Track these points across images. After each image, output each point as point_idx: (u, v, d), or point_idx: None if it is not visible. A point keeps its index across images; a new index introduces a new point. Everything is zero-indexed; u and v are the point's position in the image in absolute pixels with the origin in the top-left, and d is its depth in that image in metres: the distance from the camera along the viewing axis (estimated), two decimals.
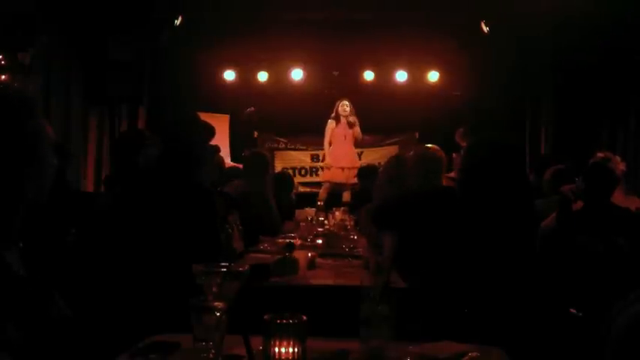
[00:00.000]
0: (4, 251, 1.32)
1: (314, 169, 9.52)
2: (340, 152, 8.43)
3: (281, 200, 5.56)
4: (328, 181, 8.52)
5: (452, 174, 5.74)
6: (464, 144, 7.83)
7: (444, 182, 5.20)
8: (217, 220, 2.72)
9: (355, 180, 8.57)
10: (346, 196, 8.26)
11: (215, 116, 8.47)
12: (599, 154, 4.62)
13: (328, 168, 8.61)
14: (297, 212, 5.71)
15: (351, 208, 6.12)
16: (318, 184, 9.11)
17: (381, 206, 3.57)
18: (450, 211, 3.27)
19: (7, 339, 1.20)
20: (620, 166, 4.47)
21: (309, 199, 7.70)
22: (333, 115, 8.45)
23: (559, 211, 3.74)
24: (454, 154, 5.85)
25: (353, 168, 8.51)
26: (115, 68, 7.68)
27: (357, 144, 8.70)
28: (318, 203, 6.16)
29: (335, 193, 8.27)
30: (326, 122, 8.64)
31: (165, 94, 8.11)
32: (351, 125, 8.39)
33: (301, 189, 9.12)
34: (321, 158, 9.28)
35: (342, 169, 8.43)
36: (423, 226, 3.29)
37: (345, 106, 8.39)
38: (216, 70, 9.18)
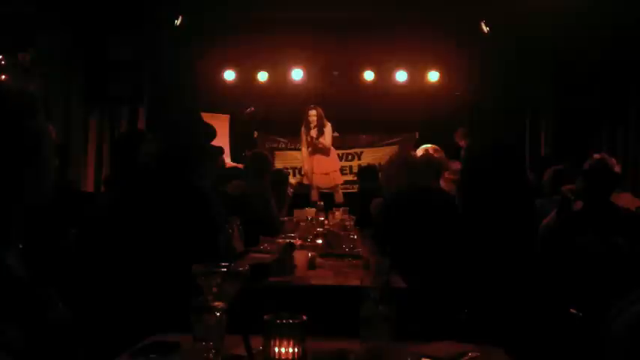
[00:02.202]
0: (4, 252, 1.31)
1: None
2: (313, 159, 8.43)
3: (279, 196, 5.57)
4: (314, 186, 8.52)
5: (448, 174, 5.76)
6: (462, 143, 7.92)
7: (443, 182, 5.23)
8: (215, 221, 2.72)
9: (341, 180, 8.59)
10: (338, 197, 8.27)
11: (215, 116, 8.46)
12: (596, 156, 4.65)
13: (306, 174, 8.63)
14: (297, 212, 5.71)
15: (351, 208, 6.12)
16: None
17: (378, 230, 3.62)
18: (439, 212, 3.31)
19: (6, 340, 1.20)
20: (616, 169, 4.49)
21: (308, 199, 7.71)
22: (304, 121, 8.44)
23: (559, 211, 3.74)
24: (449, 163, 5.84)
25: (334, 171, 8.52)
26: (115, 68, 7.68)
27: (329, 150, 8.63)
28: (318, 203, 6.16)
29: (326, 194, 8.28)
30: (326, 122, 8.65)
31: (166, 94, 8.10)
32: (317, 135, 8.34)
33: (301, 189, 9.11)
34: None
35: (326, 174, 8.42)
36: (419, 232, 3.32)
37: (312, 116, 8.34)
38: (216, 70, 9.18)
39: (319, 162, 8.45)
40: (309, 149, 8.47)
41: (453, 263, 2.83)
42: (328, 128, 8.40)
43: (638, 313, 1.35)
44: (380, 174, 5.35)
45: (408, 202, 3.73)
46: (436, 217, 3.58)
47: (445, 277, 2.85)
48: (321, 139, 8.36)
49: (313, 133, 8.34)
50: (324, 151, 8.44)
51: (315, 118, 8.32)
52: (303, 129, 8.46)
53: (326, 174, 8.46)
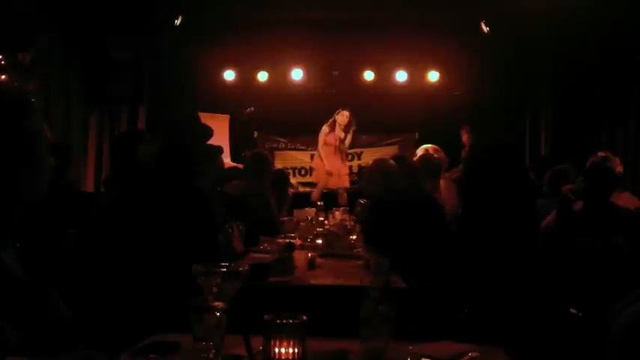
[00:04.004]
0: (1, 251, 1.31)
1: (314, 169, 9.53)
2: (326, 159, 8.47)
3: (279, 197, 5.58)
4: (321, 184, 8.53)
5: (448, 174, 5.79)
6: (465, 138, 7.98)
7: (443, 182, 5.24)
8: (215, 220, 2.72)
9: (347, 184, 8.61)
10: (342, 198, 8.27)
11: (215, 116, 8.47)
12: (600, 154, 4.66)
13: (317, 171, 8.65)
14: (297, 212, 5.70)
15: (351, 208, 6.12)
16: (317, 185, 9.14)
17: (372, 232, 3.65)
18: (418, 214, 3.35)
19: (5, 340, 1.20)
20: (619, 168, 4.50)
21: (309, 199, 7.70)
22: (330, 121, 8.45)
23: (559, 211, 3.74)
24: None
25: (344, 174, 8.56)
26: (115, 68, 7.68)
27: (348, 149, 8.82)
28: (318, 203, 6.15)
29: (330, 194, 8.29)
30: (327, 122, 8.65)
31: (166, 94, 8.11)
32: (344, 138, 8.46)
33: (301, 189, 9.12)
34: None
35: (330, 174, 8.46)
36: (401, 235, 3.35)
37: (344, 117, 8.38)
38: (216, 70, 9.17)
39: (330, 162, 8.48)
40: (325, 149, 8.48)
41: (454, 263, 2.83)
42: (352, 133, 8.55)
43: (634, 315, 1.35)
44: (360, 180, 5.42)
45: (386, 207, 3.78)
46: (415, 220, 3.62)
47: (445, 278, 2.85)
48: (346, 142, 8.54)
49: (340, 134, 8.45)
50: (341, 153, 8.50)
51: (346, 120, 8.40)
52: (325, 128, 8.46)
53: (330, 175, 8.48)
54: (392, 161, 4.33)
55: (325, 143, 8.49)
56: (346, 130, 8.48)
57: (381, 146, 9.62)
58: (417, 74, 9.24)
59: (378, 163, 4.35)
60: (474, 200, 2.79)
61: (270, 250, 3.77)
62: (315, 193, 8.34)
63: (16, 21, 6.28)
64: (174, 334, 1.75)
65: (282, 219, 5.24)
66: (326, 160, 8.48)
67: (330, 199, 7.66)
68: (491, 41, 8.15)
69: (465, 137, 8.13)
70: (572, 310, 2.94)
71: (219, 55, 8.82)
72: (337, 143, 8.46)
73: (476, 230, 2.75)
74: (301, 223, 4.94)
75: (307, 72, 9.15)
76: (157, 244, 2.47)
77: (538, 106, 8.67)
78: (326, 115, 8.67)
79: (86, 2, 6.92)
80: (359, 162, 9.38)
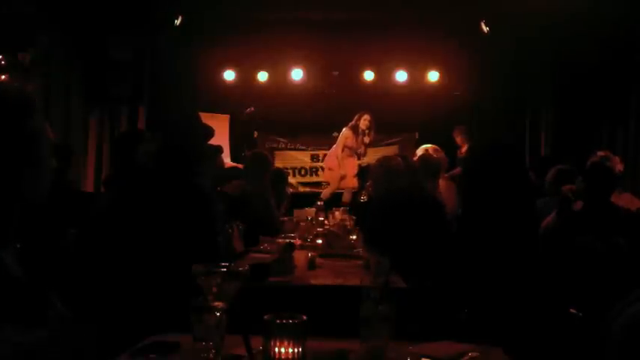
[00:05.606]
0: (1, 251, 1.31)
1: (314, 169, 9.52)
2: (342, 165, 8.44)
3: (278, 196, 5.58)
4: (333, 185, 8.50)
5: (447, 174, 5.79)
6: (459, 139, 7.98)
7: (443, 182, 5.24)
8: (215, 220, 2.72)
9: (356, 184, 8.60)
10: (346, 196, 8.27)
11: (215, 116, 8.47)
12: (600, 153, 4.66)
13: (330, 169, 8.60)
14: (297, 212, 5.70)
15: (351, 208, 6.12)
16: (318, 184, 9.11)
17: (373, 231, 3.65)
18: (420, 214, 3.35)
19: (5, 340, 1.20)
20: (619, 167, 4.50)
21: (309, 199, 7.70)
22: (351, 124, 8.30)
23: (559, 211, 3.74)
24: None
25: (352, 176, 8.56)
26: (115, 68, 7.68)
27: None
28: (319, 203, 6.15)
29: (334, 192, 8.29)
30: (327, 122, 8.61)
31: (166, 94, 8.10)
32: (369, 142, 8.39)
33: (301, 189, 9.11)
34: (321, 158, 9.26)
35: (344, 177, 8.43)
36: (402, 234, 3.36)
37: (366, 121, 8.28)
38: (216, 70, 9.17)
39: (345, 166, 8.45)
40: (344, 152, 8.43)
41: (454, 263, 2.84)
42: (372, 135, 8.48)
43: (634, 315, 1.35)
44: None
45: (387, 206, 3.78)
46: (417, 219, 3.62)
47: (445, 277, 2.85)
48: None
49: (367, 139, 8.36)
50: (357, 156, 8.48)
51: (368, 124, 8.28)
52: (348, 132, 8.33)
53: (343, 178, 8.46)
54: (398, 159, 4.30)
55: (346, 146, 8.42)
56: (369, 134, 8.36)
57: (381, 146, 9.60)
58: (417, 74, 9.24)
59: (382, 162, 4.33)
60: (474, 200, 2.79)
61: (270, 250, 3.77)
62: (327, 192, 8.32)
63: (16, 21, 6.28)
64: (174, 334, 1.75)
65: (282, 219, 5.24)
66: (342, 164, 8.43)
67: (334, 198, 7.67)
68: (491, 41, 8.15)
69: (458, 138, 8.14)
70: (572, 310, 2.94)
71: (219, 55, 8.82)
72: (359, 147, 8.40)
73: (476, 230, 2.75)
74: (301, 223, 4.95)
75: (307, 72, 9.14)
76: (156, 244, 2.47)
77: (538, 106, 8.67)
78: (326, 115, 8.65)
79: (86, 2, 6.93)
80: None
